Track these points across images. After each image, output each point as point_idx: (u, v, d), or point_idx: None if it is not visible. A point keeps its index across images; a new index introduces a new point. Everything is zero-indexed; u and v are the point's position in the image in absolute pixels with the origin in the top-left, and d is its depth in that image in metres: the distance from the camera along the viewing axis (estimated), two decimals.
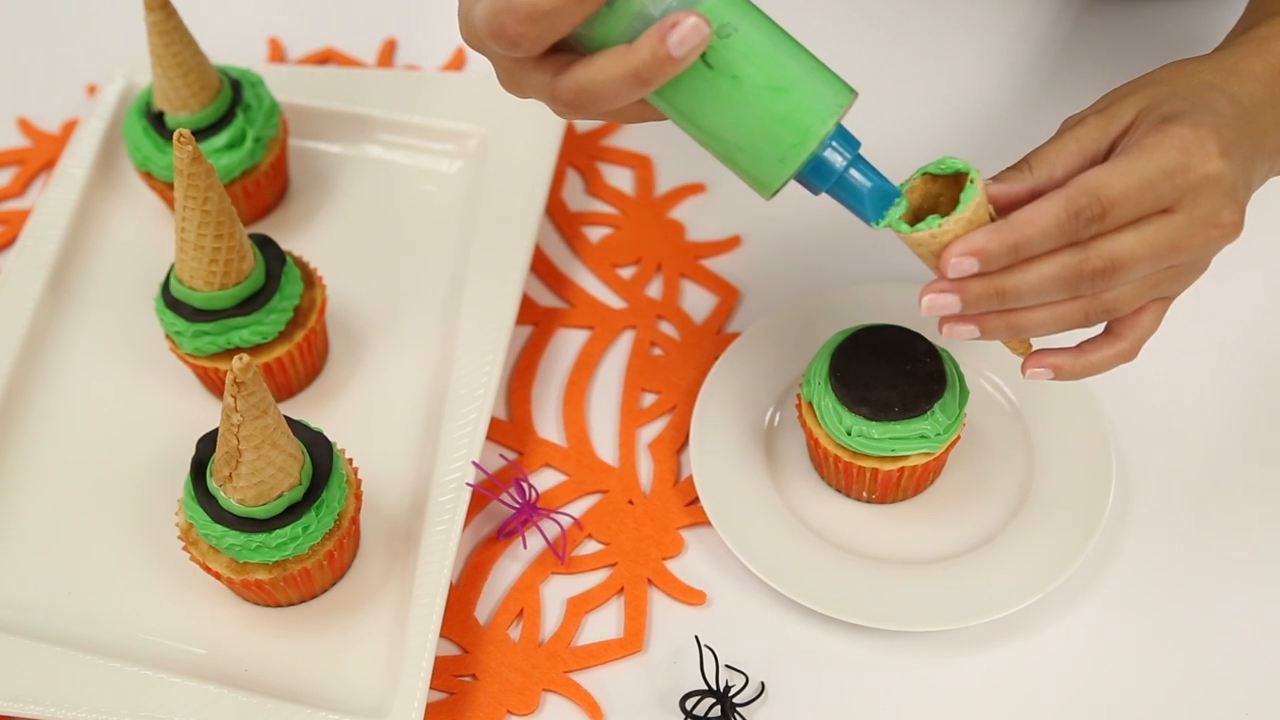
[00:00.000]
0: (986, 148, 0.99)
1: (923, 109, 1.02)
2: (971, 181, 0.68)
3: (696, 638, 0.79)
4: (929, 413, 0.78)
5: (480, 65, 1.06)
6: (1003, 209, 0.69)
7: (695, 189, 0.99)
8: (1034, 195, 0.69)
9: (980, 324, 0.70)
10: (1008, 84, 1.03)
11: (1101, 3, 1.06)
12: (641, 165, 1.00)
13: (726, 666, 0.79)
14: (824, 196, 0.70)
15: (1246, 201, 0.70)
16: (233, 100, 0.92)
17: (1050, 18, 1.06)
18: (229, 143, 0.91)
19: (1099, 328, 0.73)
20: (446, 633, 0.80)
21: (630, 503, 0.85)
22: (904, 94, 1.03)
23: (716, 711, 0.77)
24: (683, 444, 0.87)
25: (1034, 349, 0.74)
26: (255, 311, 0.83)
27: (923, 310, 0.69)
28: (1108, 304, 0.70)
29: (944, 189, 0.70)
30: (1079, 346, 0.73)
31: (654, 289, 0.94)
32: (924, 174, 0.70)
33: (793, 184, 0.69)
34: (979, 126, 1.01)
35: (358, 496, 0.79)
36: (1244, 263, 0.92)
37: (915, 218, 0.69)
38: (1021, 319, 0.70)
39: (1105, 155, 0.70)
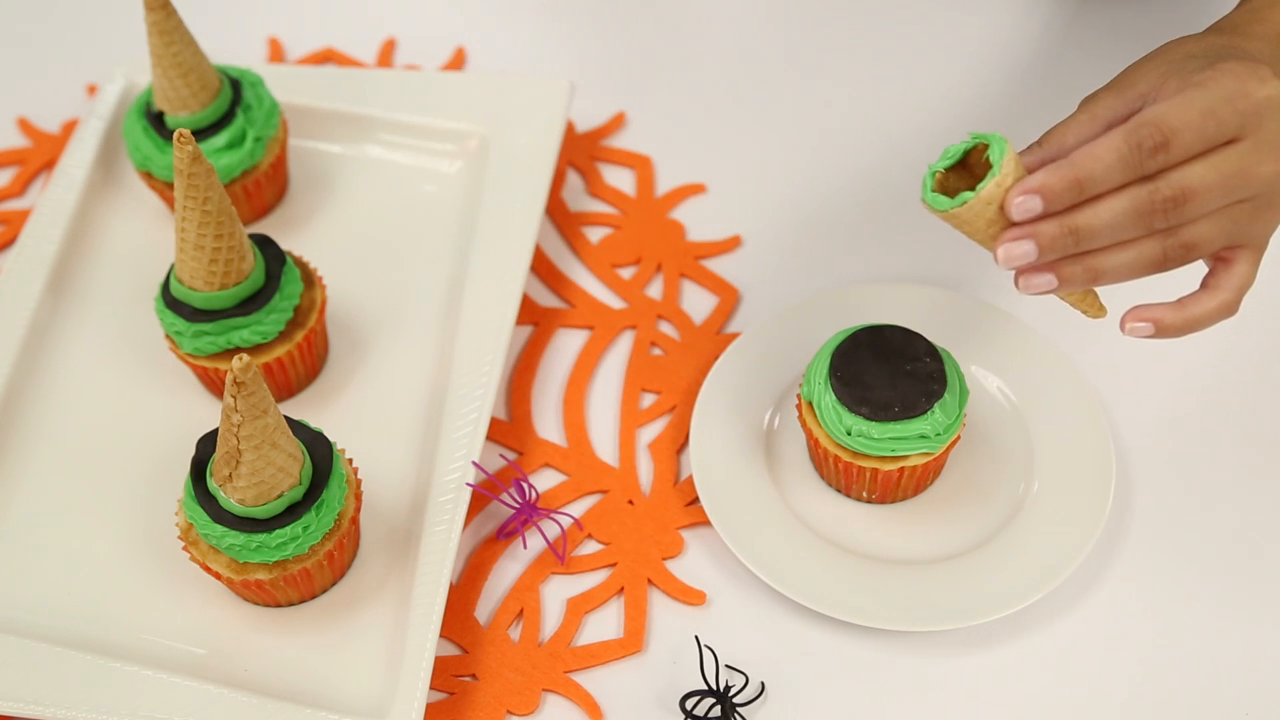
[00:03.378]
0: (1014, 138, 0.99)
1: (922, 103, 1.02)
2: (992, 148, 0.67)
3: (696, 638, 0.79)
4: (929, 413, 0.78)
5: (480, 65, 1.06)
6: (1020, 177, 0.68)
7: (695, 189, 0.99)
8: (1045, 165, 0.68)
9: (1058, 271, 0.68)
10: (1006, 79, 1.03)
11: (1095, 3, 1.06)
12: (641, 165, 1.00)
13: (726, 666, 0.79)
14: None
15: None
16: (233, 100, 0.92)
17: (1049, 12, 1.06)
18: (229, 143, 0.91)
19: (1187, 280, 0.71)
20: (446, 633, 0.80)
21: (630, 503, 0.85)
22: (903, 88, 1.03)
23: (716, 711, 0.77)
24: (683, 444, 0.87)
25: (1128, 310, 0.71)
26: (255, 311, 0.83)
27: (1000, 262, 0.67)
28: (1186, 240, 0.68)
29: (964, 185, 0.70)
30: (1179, 301, 0.71)
31: (654, 289, 0.94)
32: (935, 172, 0.69)
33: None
34: (979, 121, 1.01)
35: (358, 496, 0.79)
36: None
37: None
38: (1100, 261, 0.68)
39: (1121, 123, 0.68)
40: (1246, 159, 0.67)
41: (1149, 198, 0.66)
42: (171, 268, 0.84)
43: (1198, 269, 0.73)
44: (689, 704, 0.77)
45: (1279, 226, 0.71)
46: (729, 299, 0.93)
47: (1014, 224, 0.67)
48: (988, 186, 0.67)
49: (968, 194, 0.67)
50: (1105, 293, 0.75)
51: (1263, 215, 0.69)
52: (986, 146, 0.68)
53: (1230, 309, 0.71)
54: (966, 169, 0.70)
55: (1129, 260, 0.68)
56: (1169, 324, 0.71)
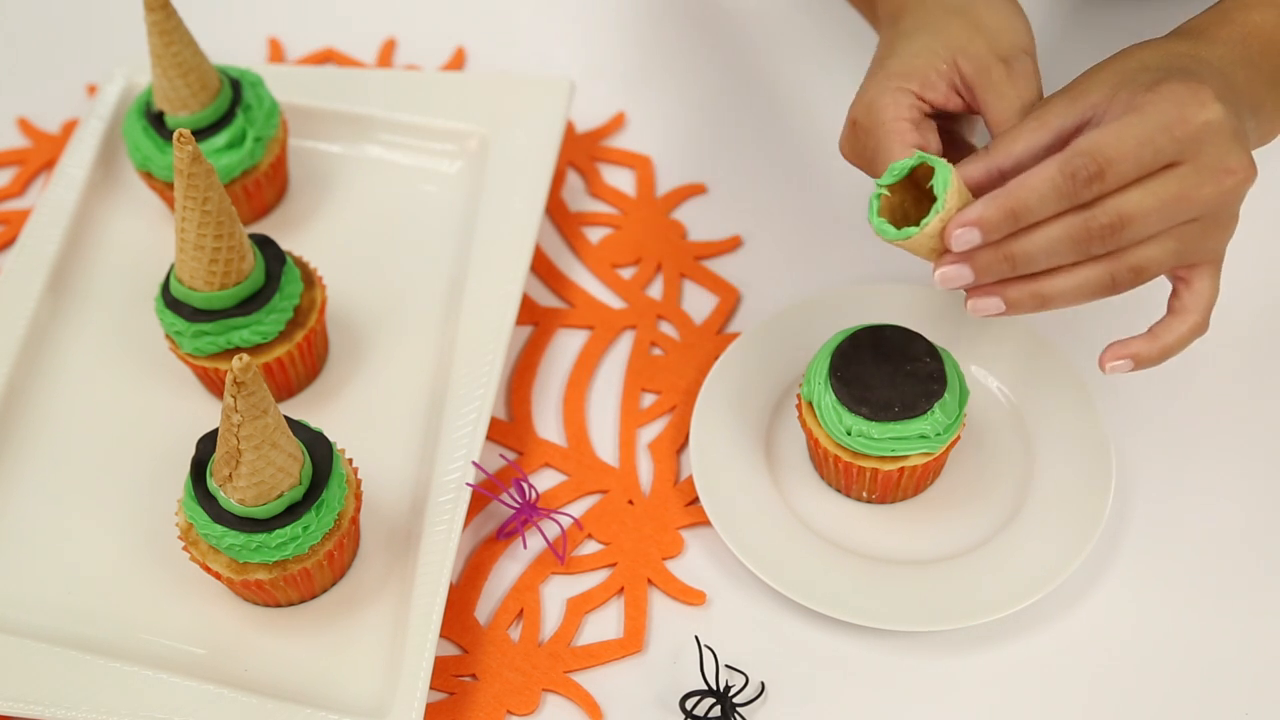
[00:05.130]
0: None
1: None
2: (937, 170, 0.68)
3: (696, 638, 0.79)
4: (929, 413, 0.78)
5: (480, 65, 1.06)
6: (968, 187, 0.70)
7: (695, 189, 0.99)
8: (993, 176, 0.69)
9: (1002, 294, 0.69)
10: None
11: (1093, 3, 1.06)
12: (642, 165, 1.00)
13: (726, 666, 0.79)
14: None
15: (1250, 147, 0.69)
16: (233, 100, 0.92)
17: (1047, 11, 1.06)
18: (229, 143, 0.91)
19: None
20: (446, 633, 0.80)
21: (630, 503, 0.85)
22: None
23: (716, 711, 0.77)
24: (683, 444, 0.87)
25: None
26: (255, 311, 0.83)
27: (937, 283, 0.69)
28: (1133, 264, 0.69)
29: (909, 198, 0.71)
30: (1151, 331, 0.72)
31: (654, 289, 0.94)
32: (882, 194, 0.70)
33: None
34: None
35: (358, 496, 0.79)
36: (1244, 261, 0.92)
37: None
38: (1044, 286, 0.69)
39: (1073, 132, 0.69)
40: (1185, 183, 0.67)
41: (1084, 225, 0.67)
42: (171, 268, 0.84)
43: (1162, 285, 0.73)
44: (689, 704, 0.77)
45: (1229, 240, 0.71)
46: (729, 299, 0.93)
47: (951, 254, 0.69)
48: (932, 222, 0.68)
49: (912, 229, 0.68)
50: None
51: (1211, 234, 0.70)
52: (933, 170, 0.68)
53: (1201, 329, 0.72)
54: (914, 183, 0.70)
55: (1076, 285, 0.69)
56: (1145, 356, 0.72)
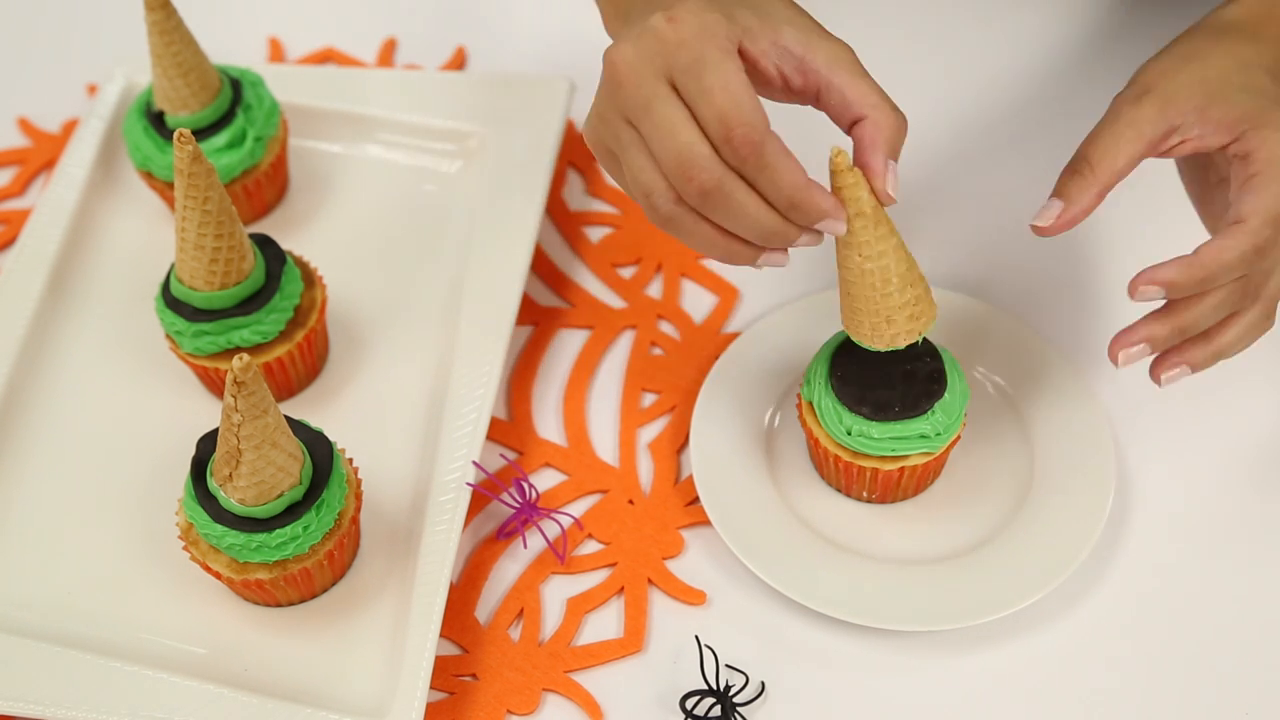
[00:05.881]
0: (1011, 140, 0.99)
1: (922, 103, 1.02)
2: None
3: (696, 638, 0.79)
4: (929, 412, 0.78)
5: (480, 65, 1.06)
6: (1078, 219, 0.72)
7: None
8: (1103, 196, 0.72)
9: (1187, 361, 0.74)
10: (1006, 80, 1.03)
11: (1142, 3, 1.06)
12: None
13: (726, 666, 0.79)
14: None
15: None
16: (233, 100, 0.92)
17: (1069, 12, 1.06)
18: (229, 142, 0.91)
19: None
20: (446, 633, 0.80)
21: (630, 502, 0.85)
22: (902, 88, 1.03)
23: (716, 711, 0.77)
24: (683, 444, 0.87)
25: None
26: (255, 311, 0.83)
27: (1119, 364, 0.73)
28: (1273, 295, 0.73)
29: None
30: (1206, 333, 0.75)
31: (654, 289, 0.94)
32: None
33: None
34: (979, 119, 1.01)
35: (358, 496, 0.79)
36: None
37: None
38: (1219, 344, 0.74)
39: (1160, 139, 0.72)
40: None
41: (1241, 287, 0.72)
42: (171, 267, 0.84)
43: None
44: (689, 704, 0.77)
45: None
46: (729, 299, 0.93)
47: (1126, 329, 0.73)
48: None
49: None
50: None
51: None
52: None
53: (1269, 323, 0.76)
54: None
55: (1243, 333, 0.74)
56: (1180, 283, 0.73)
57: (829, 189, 0.69)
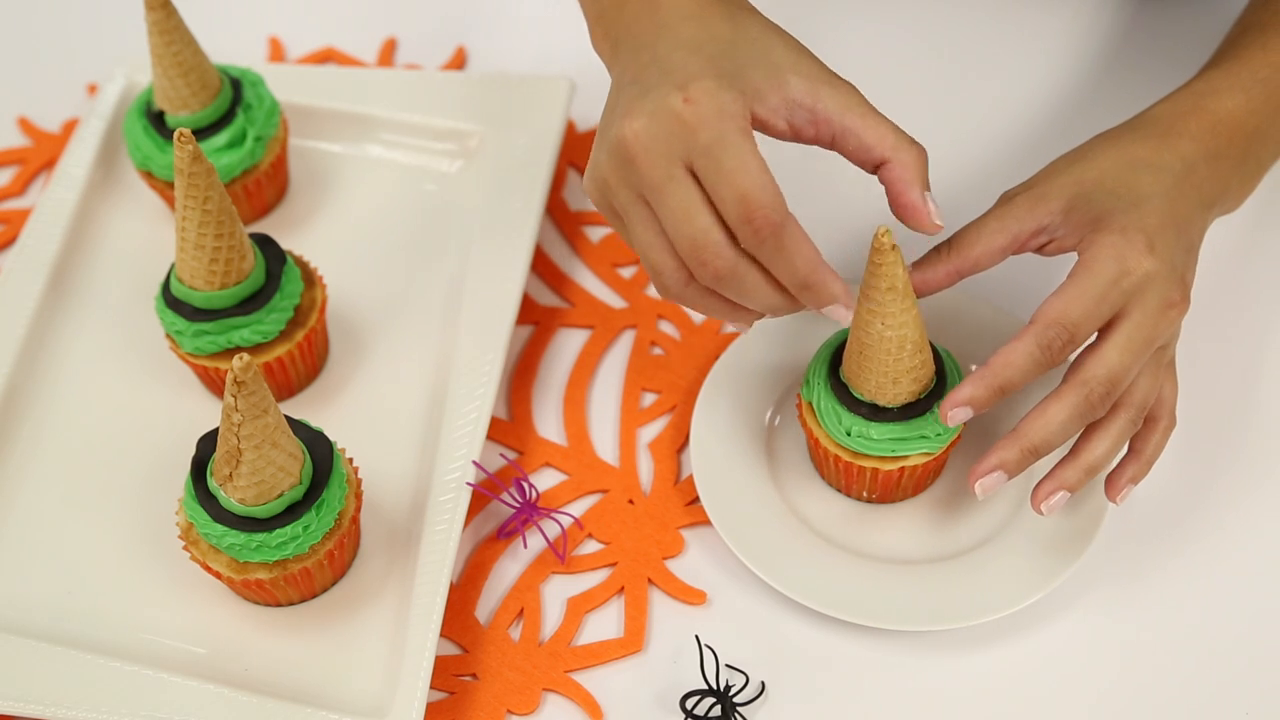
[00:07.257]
0: (1027, 156, 0.99)
1: (921, 102, 1.02)
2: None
3: (696, 637, 0.79)
4: (929, 413, 0.78)
5: (480, 65, 1.06)
6: (924, 293, 0.75)
7: None
8: (951, 276, 0.75)
9: (1060, 483, 0.76)
10: (1003, 81, 1.03)
11: (1151, 3, 1.06)
12: None
13: (726, 666, 0.79)
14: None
15: (1190, 268, 0.75)
16: (233, 100, 0.92)
17: (1092, 20, 1.06)
18: (229, 142, 0.91)
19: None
20: (446, 632, 0.80)
21: (630, 502, 0.85)
22: (902, 88, 1.03)
23: (716, 711, 0.77)
24: (683, 444, 0.87)
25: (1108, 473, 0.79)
26: (255, 311, 0.83)
27: (980, 495, 0.75)
28: (1137, 404, 0.76)
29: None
30: (1131, 450, 0.78)
31: (654, 288, 0.94)
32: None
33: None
34: (979, 118, 1.01)
35: (358, 496, 0.79)
36: (1243, 264, 0.93)
37: None
38: (1088, 459, 0.76)
39: (1029, 237, 0.75)
40: (1141, 329, 0.73)
41: (1085, 400, 0.73)
42: (172, 267, 0.84)
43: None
44: (689, 704, 0.77)
45: (1171, 350, 0.78)
46: None
47: (979, 460, 0.75)
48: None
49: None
50: None
51: (1168, 348, 0.78)
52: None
53: (1173, 426, 0.79)
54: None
55: (1111, 443, 0.76)
56: (1139, 474, 0.78)
57: (838, 271, 0.72)
